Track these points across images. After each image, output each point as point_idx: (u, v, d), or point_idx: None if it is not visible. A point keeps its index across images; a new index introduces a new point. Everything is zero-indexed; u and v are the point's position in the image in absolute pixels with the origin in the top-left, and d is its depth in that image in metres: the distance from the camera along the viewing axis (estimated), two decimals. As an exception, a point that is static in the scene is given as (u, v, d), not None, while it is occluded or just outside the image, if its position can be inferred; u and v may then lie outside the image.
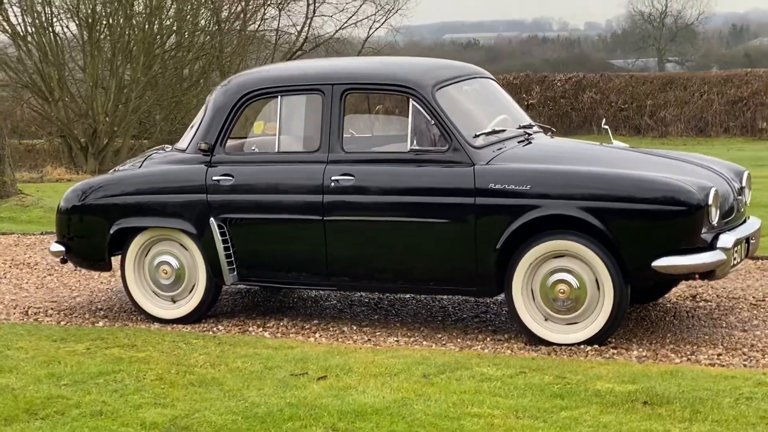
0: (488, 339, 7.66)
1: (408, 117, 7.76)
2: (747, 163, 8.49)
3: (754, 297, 8.61)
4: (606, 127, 8.63)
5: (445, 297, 8.86)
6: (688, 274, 7.17)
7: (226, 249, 8.10)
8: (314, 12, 33.72)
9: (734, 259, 7.35)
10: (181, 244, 8.30)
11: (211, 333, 7.99)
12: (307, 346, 7.36)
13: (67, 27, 29.28)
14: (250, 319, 8.39)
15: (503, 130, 7.92)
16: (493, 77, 8.66)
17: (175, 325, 8.28)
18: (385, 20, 35.04)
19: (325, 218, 7.81)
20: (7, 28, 28.11)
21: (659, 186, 7.15)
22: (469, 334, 7.80)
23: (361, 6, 34.74)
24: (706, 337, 7.50)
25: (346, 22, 34.50)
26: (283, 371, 6.62)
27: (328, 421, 5.67)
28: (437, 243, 7.56)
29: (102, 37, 28.56)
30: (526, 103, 34.36)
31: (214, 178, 8.13)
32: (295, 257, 8.00)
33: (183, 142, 8.50)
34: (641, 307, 8.38)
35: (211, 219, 8.10)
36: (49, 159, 28.30)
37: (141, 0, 28.96)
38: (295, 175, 7.95)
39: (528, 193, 7.33)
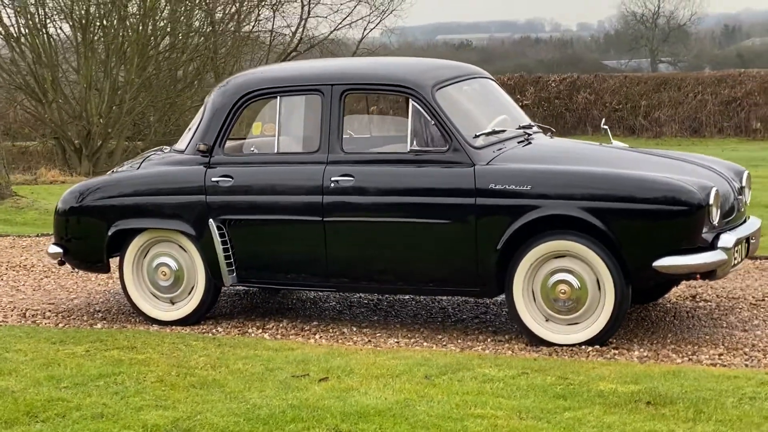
0: (489, 340, 7.64)
1: (408, 117, 7.74)
2: (742, 164, 8.47)
3: (753, 297, 8.60)
4: (605, 127, 8.62)
5: (444, 298, 8.84)
6: (689, 274, 7.16)
7: (225, 250, 8.08)
8: (309, 13, 33.69)
9: (735, 258, 7.34)
10: (180, 246, 8.27)
11: (210, 335, 7.97)
12: (308, 348, 7.34)
13: (60, 28, 29.26)
14: (249, 321, 8.36)
15: (503, 131, 7.90)
16: (492, 77, 8.64)
17: (174, 327, 8.25)
18: (380, 21, 35.02)
19: (324, 219, 7.79)
20: (0, 29, 28.06)
21: (660, 186, 7.13)
22: (470, 335, 7.78)
23: (355, 7, 34.72)
24: (707, 337, 7.49)
25: (340, 23, 34.48)
26: (284, 373, 6.60)
27: (331, 423, 5.65)
28: (437, 244, 7.54)
29: (96, 38, 28.51)
30: (520, 104, 34.17)
31: (213, 179, 8.11)
32: (294, 258, 7.97)
33: (181, 143, 8.47)
34: (641, 308, 8.37)
35: (210, 220, 8.07)
36: (43, 161, 28.26)
37: (135, 1, 28.92)
38: (294, 176, 7.93)
39: (529, 194, 7.32)
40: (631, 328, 7.77)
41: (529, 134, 8.10)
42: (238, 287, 8.97)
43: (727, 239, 7.20)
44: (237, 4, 31.72)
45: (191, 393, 6.23)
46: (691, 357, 7.03)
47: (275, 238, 8.01)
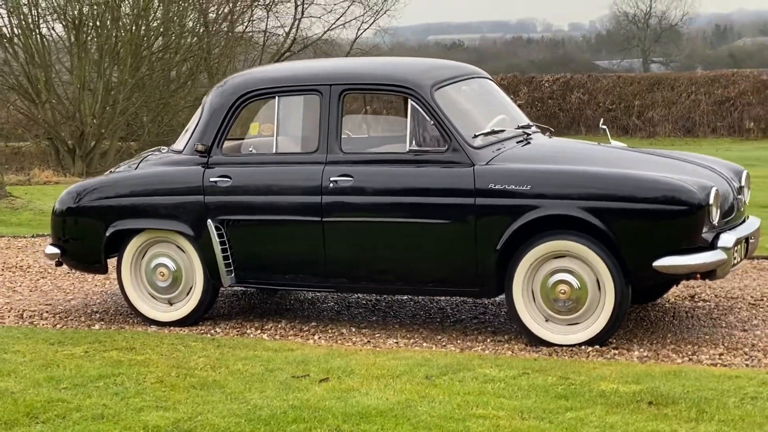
0: (488, 340, 7.63)
1: (407, 117, 7.73)
2: (737, 164, 8.47)
3: (752, 297, 8.60)
4: (604, 126, 8.62)
5: (442, 298, 8.83)
6: (689, 273, 7.15)
7: (223, 251, 8.05)
8: (302, 13, 33.69)
9: (735, 258, 7.34)
10: (178, 246, 8.25)
11: (209, 335, 7.94)
12: (307, 348, 7.32)
13: (53, 29, 29.20)
14: (247, 322, 8.34)
15: (502, 131, 7.89)
16: (490, 77, 8.63)
17: (172, 328, 8.22)
18: (374, 21, 35.01)
19: (323, 219, 7.77)
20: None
21: (660, 186, 7.13)
22: (469, 336, 7.77)
23: (349, 7, 34.71)
24: (707, 336, 7.49)
25: (334, 24, 34.48)
26: (285, 373, 6.58)
27: (333, 424, 5.63)
28: (437, 244, 7.53)
29: (89, 38, 28.45)
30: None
31: (212, 179, 8.08)
32: (293, 259, 7.95)
33: (179, 144, 8.44)
34: (640, 308, 8.37)
35: (209, 221, 8.05)
36: (36, 161, 28.20)
37: (128, 1, 28.86)
38: (293, 176, 7.91)
39: (528, 194, 7.31)
40: (630, 328, 7.76)
41: (528, 134, 8.09)
42: (235, 288, 8.95)
43: (727, 239, 7.20)
44: (230, 5, 31.72)
45: (191, 394, 6.21)
46: (691, 357, 7.03)
47: (274, 239, 7.99)
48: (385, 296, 9.00)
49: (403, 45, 67.72)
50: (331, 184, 7.75)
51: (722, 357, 6.99)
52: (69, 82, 29.18)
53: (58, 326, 8.35)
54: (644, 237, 7.12)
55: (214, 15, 31.75)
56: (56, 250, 8.59)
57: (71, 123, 28.29)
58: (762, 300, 8.49)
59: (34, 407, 5.98)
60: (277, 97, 8.13)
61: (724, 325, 7.80)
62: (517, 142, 7.89)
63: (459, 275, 7.55)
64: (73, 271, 9.76)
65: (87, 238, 8.48)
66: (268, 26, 33.62)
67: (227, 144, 8.28)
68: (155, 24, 30.03)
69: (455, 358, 6.91)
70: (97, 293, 9.48)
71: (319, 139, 7.89)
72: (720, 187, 7.39)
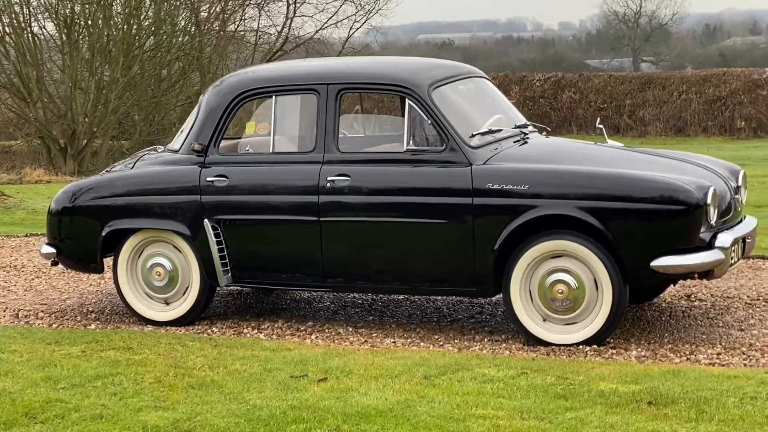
0: (486, 340, 7.62)
1: (404, 117, 7.72)
2: (730, 163, 8.49)
3: (748, 296, 8.61)
4: (600, 126, 8.61)
5: (439, 298, 8.82)
6: (687, 273, 7.16)
7: (220, 250, 8.04)
8: (294, 12, 33.65)
9: (732, 258, 7.35)
10: (175, 246, 8.23)
11: (206, 335, 7.93)
12: (305, 348, 7.31)
13: (44, 27, 29.15)
14: (244, 321, 8.33)
15: (499, 130, 7.88)
16: (487, 77, 8.63)
17: (168, 328, 8.21)
18: (366, 20, 34.98)
19: (320, 219, 7.76)
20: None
21: (658, 185, 7.13)
22: (466, 335, 7.76)
23: (341, 6, 34.68)
24: (704, 336, 7.49)
25: (326, 23, 34.43)
26: (283, 373, 6.57)
27: (332, 424, 5.62)
28: (434, 244, 7.52)
29: (80, 37, 28.39)
30: (505, 103, 34.31)
31: (208, 179, 8.07)
32: (290, 258, 7.94)
33: (176, 143, 8.42)
34: (637, 307, 8.37)
35: (205, 220, 8.03)
36: (28, 160, 28.13)
37: (119, 0, 28.82)
38: (290, 176, 7.89)
39: (526, 193, 7.30)
40: (627, 328, 7.77)
41: (525, 134, 8.09)
42: (231, 287, 8.93)
43: (724, 239, 7.20)
44: (222, 3, 31.68)
45: (190, 394, 6.20)
46: (689, 356, 7.03)
47: (271, 238, 7.98)
48: (380, 296, 8.99)
49: (394, 44, 67.70)
50: (328, 184, 7.73)
51: (720, 357, 7.00)
52: (60, 81, 29.15)
53: (54, 326, 8.33)
54: (642, 237, 7.13)
55: (206, 14, 31.74)
56: (52, 250, 8.57)
57: (63, 122, 28.24)
58: (758, 300, 8.50)
59: (32, 407, 5.97)
60: (274, 97, 8.11)
61: (721, 324, 7.81)
62: (515, 142, 7.88)
63: (456, 275, 7.54)
64: (69, 270, 9.73)
65: (83, 237, 8.46)
66: (260, 25, 33.63)
67: (224, 143, 8.26)
68: (147, 23, 29.99)
69: (453, 358, 6.90)
70: (93, 293, 9.46)
71: (316, 139, 7.88)
72: (717, 186, 7.40)
